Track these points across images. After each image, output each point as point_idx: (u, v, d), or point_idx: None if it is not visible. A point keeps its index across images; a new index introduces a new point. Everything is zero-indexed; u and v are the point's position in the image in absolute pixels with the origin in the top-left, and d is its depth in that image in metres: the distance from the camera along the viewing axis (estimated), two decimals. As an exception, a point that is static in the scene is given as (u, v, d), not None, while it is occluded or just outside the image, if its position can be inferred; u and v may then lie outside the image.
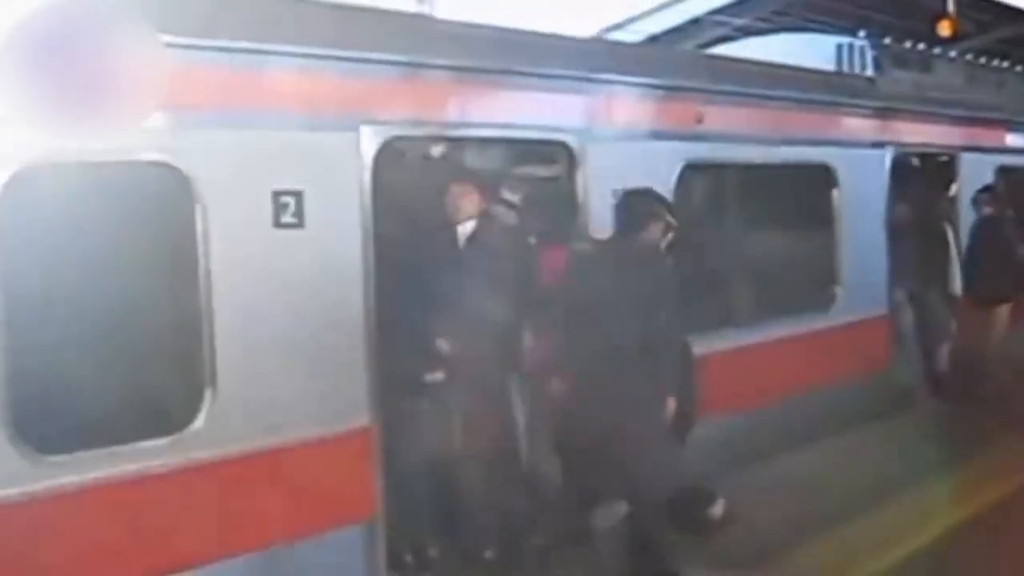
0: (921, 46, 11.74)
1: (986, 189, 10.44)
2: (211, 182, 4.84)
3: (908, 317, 10.13)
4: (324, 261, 5.27)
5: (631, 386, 5.44)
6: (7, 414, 4.25)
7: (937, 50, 11.88)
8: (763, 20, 16.85)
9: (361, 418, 5.40)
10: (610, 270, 5.59)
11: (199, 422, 4.83)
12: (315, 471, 5.20)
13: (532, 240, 6.42)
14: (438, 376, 5.77)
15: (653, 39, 16.84)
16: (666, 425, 5.64)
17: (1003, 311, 10.11)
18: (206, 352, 4.84)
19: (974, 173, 10.89)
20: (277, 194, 5.07)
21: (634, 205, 6.07)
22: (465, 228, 6.00)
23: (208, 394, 4.85)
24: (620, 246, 5.79)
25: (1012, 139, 12.05)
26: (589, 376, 5.48)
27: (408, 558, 6.00)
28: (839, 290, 9.08)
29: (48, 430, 4.37)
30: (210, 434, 4.84)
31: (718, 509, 6.49)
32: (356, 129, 5.41)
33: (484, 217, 6.12)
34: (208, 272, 4.83)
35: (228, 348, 4.88)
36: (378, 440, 5.51)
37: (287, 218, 5.10)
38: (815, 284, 9.16)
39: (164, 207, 4.86)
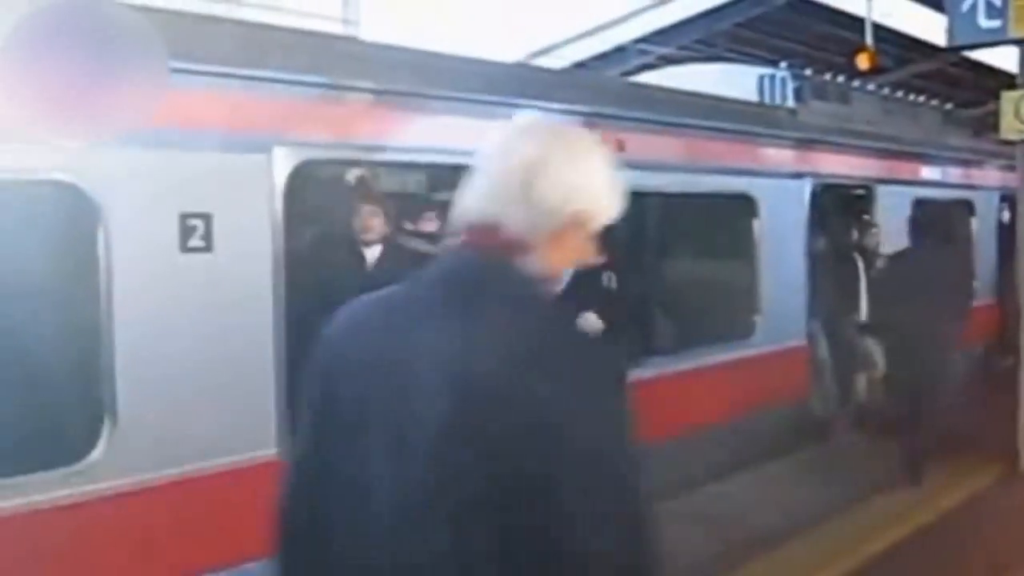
0: (841, 78, 11.88)
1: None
2: (115, 203, 4.66)
3: (823, 347, 10.22)
4: (233, 287, 5.11)
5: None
6: None
7: (856, 83, 12.03)
8: (686, 49, 17.02)
9: (268, 450, 5.25)
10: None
11: (96, 454, 4.63)
12: (219, 504, 5.03)
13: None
14: None
15: (578, 66, 16.91)
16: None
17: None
18: (106, 381, 4.65)
19: (890, 205, 11.04)
20: (184, 216, 4.91)
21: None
22: (373, 252, 5.85)
23: (107, 424, 4.66)
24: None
25: (927, 172, 12.26)
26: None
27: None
28: (759, 319, 9.11)
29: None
30: (108, 466, 4.64)
31: None
32: (268, 151, 5.28)
33: (392, 243, 5.97)
34: (110, 297, 4.64)
35: (129, 377, 4.69)
36: (286, 472, 5.35)
37: (195, 242, 4.93)
38: (735, 313, 9.19)
39: (64, 229, 4.68)
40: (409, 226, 6.40)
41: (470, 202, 2.03)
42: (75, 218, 4.63)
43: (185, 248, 4.91)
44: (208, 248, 4.98)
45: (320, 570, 2.06)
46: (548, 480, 1.84)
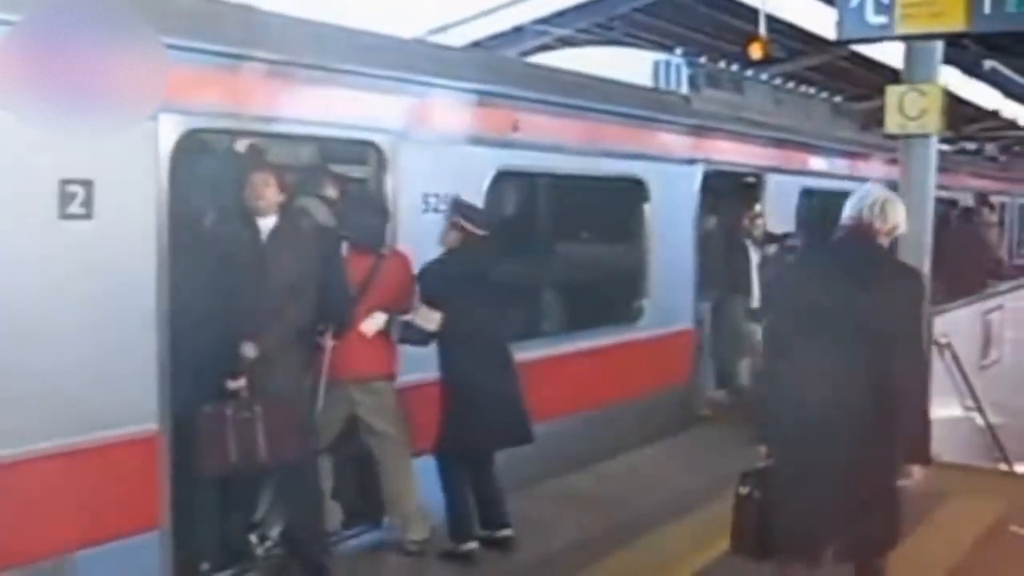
0: (734, 67, 12.03)
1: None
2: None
3: (709, 331, 10.41)
4: (114, 256, 4.96)
5: None
6: None
7: (749, 73, 12.21)
8: (584, 32, 17.04)
9: (148, 424, 5.13)
10: None
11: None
12: (95, 478, 4.90)
13: (343, 241, 6.20)
14: (240, 383, 5.49)
15: (475, 45, 16.82)
16: None
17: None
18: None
19: (779, 193, 11.27)
20: (64, 182, 4.75)
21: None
22: (267, 222, 5.72)
23: (-25, 396, 4.50)
24: None
25: (815, 163, 12.54)
26: None
27: (205, 566, 5.75)
28: (647, 303, 9.22)
29: None
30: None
31: (504, 533, 6.45)
32: (155, 118, 5.13)
33: (290, 210, 5.86)
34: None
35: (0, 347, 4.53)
36: (166, 447, 5.24)
37: (74, 208, 4.77)
38: (624, 296, 9.28)
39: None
40: (328, 193, 6.43)
41: (856, 211, 4.59)
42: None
43: (64, 215, 4.75)
44: (88, 215, 4.82)
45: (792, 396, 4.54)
46: (904, 328, 4.49)
